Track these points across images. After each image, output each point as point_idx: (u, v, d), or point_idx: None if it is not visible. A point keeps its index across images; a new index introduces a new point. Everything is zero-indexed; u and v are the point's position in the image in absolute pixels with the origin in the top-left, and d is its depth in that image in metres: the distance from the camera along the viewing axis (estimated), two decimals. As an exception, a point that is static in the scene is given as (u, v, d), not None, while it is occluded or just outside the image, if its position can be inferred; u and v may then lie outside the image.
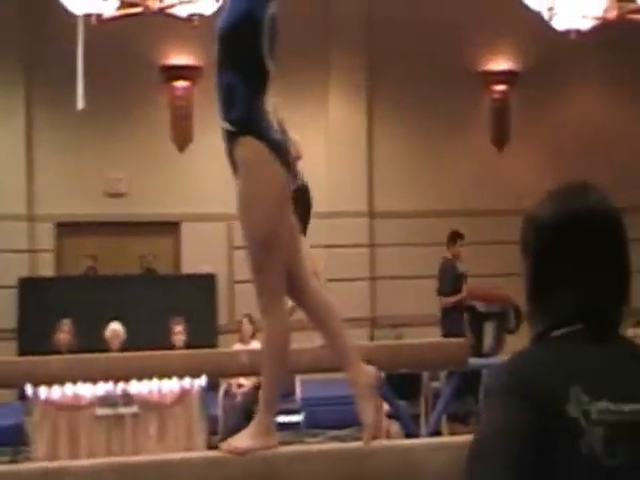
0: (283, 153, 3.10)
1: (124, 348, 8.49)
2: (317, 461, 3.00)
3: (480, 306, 9.64)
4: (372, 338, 11.12)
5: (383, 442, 3.28)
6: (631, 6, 8.23)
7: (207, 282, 11.98)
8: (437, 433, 6.36)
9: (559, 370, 1.68)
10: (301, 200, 6.65)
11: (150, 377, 6.70)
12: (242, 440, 2.93)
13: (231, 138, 3.16)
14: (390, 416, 8.38)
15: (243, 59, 3.04)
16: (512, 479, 1.61)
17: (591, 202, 1.78)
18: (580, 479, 1.65)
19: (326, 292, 3.52)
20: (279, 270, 3.09)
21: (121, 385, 7.10)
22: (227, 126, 3.15)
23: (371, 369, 3.26)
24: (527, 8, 8.27)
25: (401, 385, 8.78)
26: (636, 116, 13.38)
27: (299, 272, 3.23)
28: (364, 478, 2.98)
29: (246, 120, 3.08)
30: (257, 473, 2.88)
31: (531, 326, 1.80)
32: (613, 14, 8.05)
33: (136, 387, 7.20)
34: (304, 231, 6.61)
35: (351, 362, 3.26)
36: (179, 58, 12.39)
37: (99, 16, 7.67)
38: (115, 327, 8.84)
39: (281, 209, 3.11)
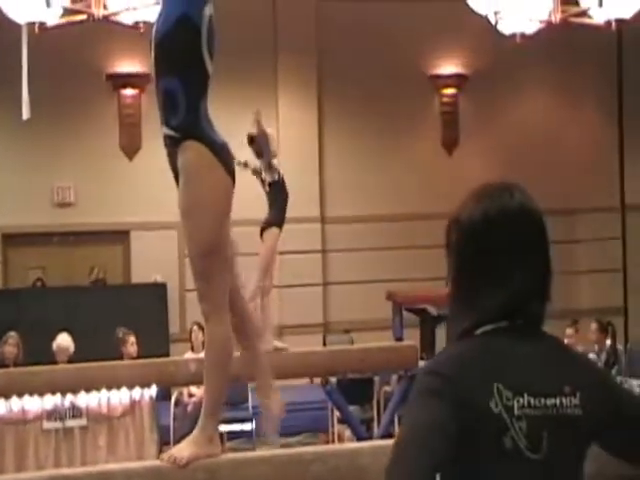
0: (226, 156, 3.08)
1: (73, 360, 8.39)
2: (262, 467, 2.98)
3: (432, 309, 9.70)
4: (325, 343, 11.11)
5: (329, 446, 3.29)
6: (574, 9, 8.33)
7: (158, 291, 11.91)
8: (389, 436, 6.38)
9: (481, 367, 1.71)
10: (281, 192, 6.70)
11: (98, 388, 6.65)
12: (184, 449, 2.91)
13: (173, 143, 3.12)
14: (342, 422, 8.41)
15: (182, 63, 3.00)
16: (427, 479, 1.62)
17: (517, 201, 1.80)
18: (504, 474, 1.67)
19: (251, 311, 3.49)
20: (223, 277, 3.07)
21: (69, 397, 7.02)
22: (169, 132, 3.11)
23: (279, 401, 3.27)
24: (474, 12, 8.34)
25: (353, 390, 8.82)
26: (582, 117, 13.57)
27: (234, 283, 3.22)
28: (310, 481, 2.97)
29: (188, 124, 3.05)
30: (198, 481, 2.86)
31: (453, 325, 1.81)
32: (557, 17, 8.14)
33: (84, 399, 7.12)
34: (282, 225, 6.64)
35: (266, 387, 3.25)
36: (126, 66, 12.32)
37: (42, 24, 7.58)
38: (63, 339, 8.74)
39: (226, 214, 3.09)
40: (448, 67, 13.32)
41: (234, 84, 12.02)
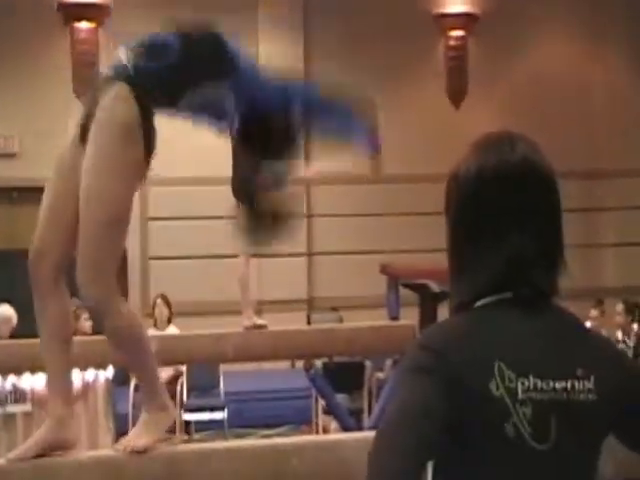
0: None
1: (15, 336, 8.39)
2: (231, 461, 2.98)
3: (434, 285, 9.71)
4: (309, 322, 11.15)
5: (310, 437, 3.30)
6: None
7: (116, 258, 11.90)
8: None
9: (480, 343, 1.70)
10: None
11: (45, 369, 6.64)
12: (141, 435, 2.92)
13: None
14: (327, 412, 8.45)
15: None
16: (411, 466, 1.62)
17: (519, 154, 1.78)
18: (507, 466, 1.67)
19: None
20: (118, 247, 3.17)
21: (10, 379, 7.02)
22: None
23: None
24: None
25: (341, 376, 8.86)
26: (610, 65, 13.55)
27: None
28: (287, 477, 2.98)
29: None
30: (158, 475, 2.86)
31: (451, 298, 1.81)
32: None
33: (28, 381, 7.12)
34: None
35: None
36: (80, -6, 12.24)
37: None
38: (4, 311, 8.73)
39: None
40: (455, 5, 13.29)
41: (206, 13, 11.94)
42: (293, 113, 3.27)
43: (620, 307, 9.69)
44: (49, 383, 3.19)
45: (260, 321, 6.49)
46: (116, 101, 3.07)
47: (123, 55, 3.14)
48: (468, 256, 1.79)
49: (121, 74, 3.08)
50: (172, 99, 3.10)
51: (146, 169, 3.26)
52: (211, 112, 3.26)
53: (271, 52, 12.45)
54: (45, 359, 3.19)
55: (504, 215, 1.76)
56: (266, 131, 3.27)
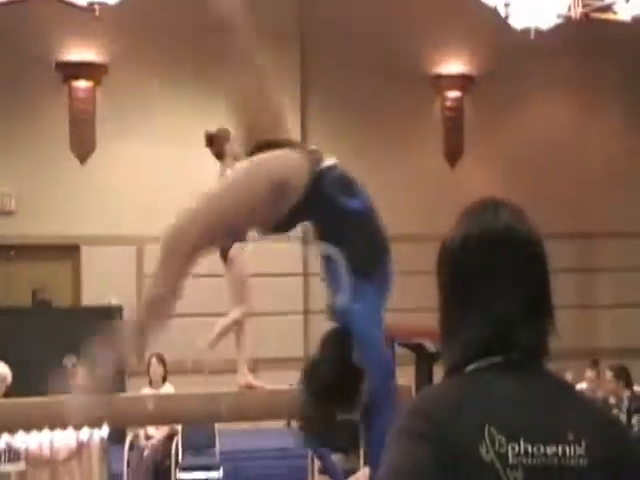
0: None
1: (10, 395, 8.37)
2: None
3: (430, 345, 9.71)
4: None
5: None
6: (597, 3, 8.42)
7: (112, 316, 11.86)
8: (376, 491, 6.36)
9: (471, 408, 1.70)
10: None
11: (40, 428, 6.63)
12: None
13: None
14: (323, 472, 8.40)
15: None
16: None
17: (501, 221, 1.82)
18: None
19: None
20: None
21: (4, 438, 6.99)
22: None
23: None
24: (481, 3, 8.43)
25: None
26: (602, 126, 13.68)
27: None
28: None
29: None
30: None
31: (444, 361, 1.83)
32: (578, 12, 8.24)
33: (23, 440, 7.10)
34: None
35: None
36: (79, 53, 12.35)
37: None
38: (-1, 369, 8.71)
39: None
40: (452, 66, 13.42)
41: (205, 83, 12.07)
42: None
43: (609, 374, 9.64)
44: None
45: (255, 382, 6.49)
46: None
47: None
48: (456, 321, 1.82)
49: None
50: None
51: None
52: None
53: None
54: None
55: (488, 281, 1.79)
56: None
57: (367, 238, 3.76)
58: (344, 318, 3.72)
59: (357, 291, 3.64)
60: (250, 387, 6.38)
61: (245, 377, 6.35)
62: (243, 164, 3.69)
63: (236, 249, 6.59)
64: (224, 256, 6.65)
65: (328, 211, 3.68)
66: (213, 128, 6.95)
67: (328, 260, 3.77)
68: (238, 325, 6.74)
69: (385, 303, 3.74)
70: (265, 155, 3.61)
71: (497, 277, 1.79)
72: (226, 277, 6.71)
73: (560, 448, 1.70)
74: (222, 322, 6.68)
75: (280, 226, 3.76)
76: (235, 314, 6.57)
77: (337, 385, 3.65)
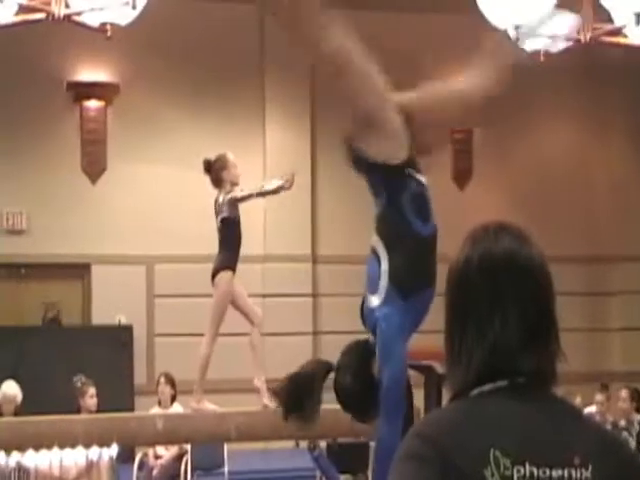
0: None
1: (20, 413, 8.40)
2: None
3: (439, 367, 9.70)
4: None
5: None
6: (608, 27, 8.43)
7: (122, 335, 11.92)
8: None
9: (476, 431, 1.72)
10: (233, 231, 6.73)
11: (50, 447, 6.64)
12: None
13: None
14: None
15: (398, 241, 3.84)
16: None
17: (502, 245, 1.84)
18: None
19: None
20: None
21: (14, 456, 7.00)
22: None
23: None
24: (490, 26, 8.45)
25: (345, 456, 8.83)
26: (613, 152, 13.69)
27: None
28: None
29: None
30: None
31: (450, 386, 1.84)
32: (587, 36, 8.25)
33: (32, 459, 7.10)
34: (234, 267, 6.71)
35: None
36: (90, 74, 12.42)
37: (-8, 22, 7.61)
38: (9, 388, 8.73)
39: None
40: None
41: (216, 104, 12.18)
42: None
43: (624, 393, 9.61)
44: None
45: (210, 405, 6.62)
46: None
47: None
48: (458, 344, 1.83)
49: None
50: None
51: None
52: None
53: (278, 142, 12.65)
54: None
55: (488, 304, 1.80)
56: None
57: (419, 265, 3.85)
58: (373, 321, 3.76)
59: (390, 302, 3.65)
60: (203, 411, 6.49)
61: (198, 400, 6.48)
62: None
63: (222, 277, 6.65)
64: (213, 280, 6.74)
65: (397, 217, 3.83)
66: (224, 150, 7.00)
67: (374, 256, 3.86)
68: (253, 346, 6.85)
69: (412, 330, 3.79)
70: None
71: (497, 302, 1.80)
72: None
73: (566, 472, 1.71)
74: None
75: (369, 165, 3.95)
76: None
77: (355, 394, 3.71)
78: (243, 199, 6.69)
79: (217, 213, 6.72)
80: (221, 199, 6.68)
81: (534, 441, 1.73)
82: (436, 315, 9.16)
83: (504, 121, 13.27)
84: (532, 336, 1.80)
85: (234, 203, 6.66)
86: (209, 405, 6.64)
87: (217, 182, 6.74)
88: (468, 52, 12.77)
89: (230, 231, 6.66)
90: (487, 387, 1.78)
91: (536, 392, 1.80)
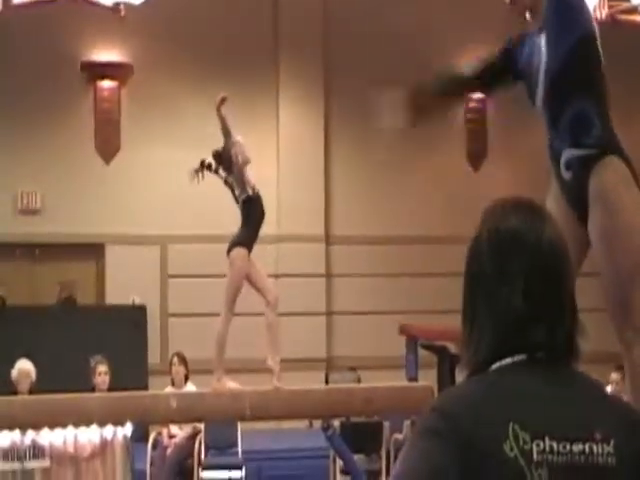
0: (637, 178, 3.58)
1: (35, 392, 8.43)
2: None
3: (452, 347, 9.71)
4: (327, 382, 11.14)
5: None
6: (624, 5, 8.39)
7: (136, 315, 11.95)
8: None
9: (494, 406, 1.71)
10: (255, 210, 6.81)
11: (64, 425, 6.68)
12: None
13: (583, 164, 3.61)
14: (345, 472, 8.43)
15: (591, 81, 3.73)
16: None
17: (523, 219, 1.84)
18: None
19: None
20: None
21: (30, 434, 7.04)
22: (581, 152, 3.62)
23: None
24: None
25: (359, 437, 8.84)
26: (633, 133, 13.60)
27: None
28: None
29: (607, 139, 3.61)
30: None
31: (465, 362, 1.83)
32: (603, 13, 8.22)
33: (47, 437, 7.14)
34: (251, 245, 6.77)
35: None
36: (104, 54, 12.42)
37: (6, 2, 7.62)
38: (24, 366, 8.76)
39: None
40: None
41: (230, 84, 12.14)
42: None
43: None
44: None
45: (231, 383, 6.65)
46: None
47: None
48: (472, 320, 1.83)
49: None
50: None
51: None
52: None
53: (292, 122, 12.62)
54: None
55: (496, 279, 1.81)
56: None
57: None
58: None
59: None
60: (224, 389, 6.53)
61: (219, 378, 6.52)
62: None
63: (237, 252, 6.70)
64: (228, 256, 6.79)
65: None
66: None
67: None
68: (268, 326, 6.89)
69: None
70: None
71: (503, 277, 1.80)
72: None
73: (587, 446, 1.70)
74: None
75: None
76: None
77: None
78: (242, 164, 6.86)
79: (235, 196, 6.85)
80: (235, 181, 6.81)
81: (554, 415, 1.72)
82: (447, 296, 9.16)
83: (518, 99, 13.18)
84: (542, 310, 1.79)
85: (246, 181, 6.79)
86: (230, 383, 6.66)
87: (228, 169, 6.90)
88: (476, 28, 12.60)
89: (254, 209, 6.81)
90: (505, 361, 1.78)
91: (556, 366, 1.79)
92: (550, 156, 3.79)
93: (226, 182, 6.95)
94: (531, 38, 3.76)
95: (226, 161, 6.86)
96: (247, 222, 6.83)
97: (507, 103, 13.28)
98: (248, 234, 6.79)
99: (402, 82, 13.73)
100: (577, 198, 3.59)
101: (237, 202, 6.89)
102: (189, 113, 12.43)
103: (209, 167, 6.89)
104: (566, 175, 3.68)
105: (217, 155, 6.95)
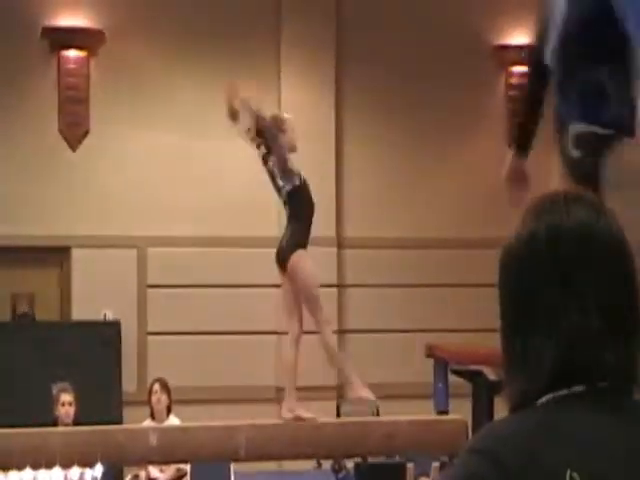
0: None
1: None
2: None
3: (490, 372, 9.70)
4: (339, 414, 11.13)
5: None
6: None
7: (108, 333, 11.96)
8: None
9: (547, 448, 1.69)
10: (305, 201, 6.80)
11: (21, 467, 6.68)
12: None
13: (599, 142, 3.73)
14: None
15: (609, 49, 3.69)
16: None
17: (575, 218, 1.82)
18: None
19: None
20: None
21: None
22: (595, 129, 3.73)
23: None
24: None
25: (377, 479, 8.84)
26: None
27: None
28: None
29: (624, 117, 3.62)
30: None
31: (509, 393, 1.82)
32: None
33: (1, 480, 7.15)
34: (306, 245, 6.75)
35: None
36: (70, 18, 12.43)
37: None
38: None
39: None
40: (519, 35, 13.40)
41: (220, 54, 12.18)
42: None
43: None
44: None
45: (306, 414, 6.58)
46: None
47: None
48: (521, 340, 1.80)
49: None
50: None
51: None
52: None
53: (296, 101, 12.59)
54: None
55: (560, 290, 1.78)
56: None
57: None
58: None
59: None
60: (299, 419, 6.48)
61: (293, 411, 6.46)
62: None
63: (298, 255, 6.65)
64: (282, 264, 6.72)
65: None
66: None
67: None
68: (289, 349, 6.89)
69: None
70: None
71: (570, 285, 1.77)
72: (284, 289, 6.81)
73: None
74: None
75: None
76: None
77: None
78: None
79: (278, 187, 6.79)
80: (276, 167, 6.77)
81: (619, 462, 1.71)
82: (483, 311, 9.15)
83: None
84: (616, 326, 1.77)
85: (289, 169, 6.76)
86: (307, 414, 6.62)
87: (267, 148, 6.83)
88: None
89: (298, 203, 6.76)
90: (560, 393, 1.76)
91: (619, 399, 1.78)
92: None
93: (265, 162, 6.86)
94: None
95: (266, 137, 6.81)
96: (298, 217, 6.76)
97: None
98: (302, 232, 6.75)
99: (436, 45, 13.78)
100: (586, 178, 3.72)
101: (279, 194, 6.83)
102: (173, 89, 12.44)
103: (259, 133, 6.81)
104: (574, 153, 3.85)
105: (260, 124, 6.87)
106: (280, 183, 6.76)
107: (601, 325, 1.76)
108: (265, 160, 6.82)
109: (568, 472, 1.66)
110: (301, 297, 6.75)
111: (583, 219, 1.81)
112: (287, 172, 6.74)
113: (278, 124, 6.83)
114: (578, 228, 1.80)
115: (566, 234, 1.80)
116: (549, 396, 1.76)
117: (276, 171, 6.76)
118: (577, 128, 3.79)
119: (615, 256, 1.81)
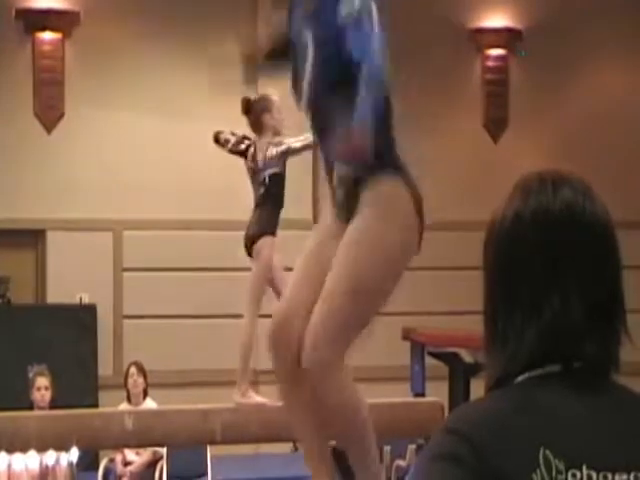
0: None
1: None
2: None
3: (467, 355, 9.72)
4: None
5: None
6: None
7: (84, 317, 11.93)
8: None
9: (521, 427, 1.69)
10: (281, 188, 6.79)
11: (-4, 450, 6.65)
12: None
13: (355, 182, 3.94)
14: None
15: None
16: None
17: (562, 198, 1.80)
18: None
19: None
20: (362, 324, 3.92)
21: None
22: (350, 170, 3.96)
23: None
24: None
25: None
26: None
27: None
28: None
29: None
30: None
31: (486, 372, 1.81)
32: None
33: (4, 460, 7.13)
34: (275, 231, 6.75)
35: None
36: (45, 0, 12.38)
37: None
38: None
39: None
40: (495, 19, 13.40)
41: (202, 41, 12.14)
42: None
43: None
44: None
45: (258, 398, 6.54)
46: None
47: None
48: (502, 321, 1.79)
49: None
50: None
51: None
52: None
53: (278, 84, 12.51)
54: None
55: (543, 272, 1.77)
56: None
57: None
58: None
59: None
60: (250, 405, 6.44)
61: (245, 395, 6.41)
62: None
63: (264, 242, 6.65)
64: (249, 249, 6.73)
65: None
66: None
67: None
68: (247, 331, 6.86)
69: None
70: None
71: (554, 267, 1.76)
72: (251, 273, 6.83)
73: (632, 476, 1.68)
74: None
75: None
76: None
77: None
78: (302, 150, 6.79)
79: (260, 168, 6.75)
80: (273, 151, 6.72)
81: (593, 439, 1.70)
82: (460, 293, 9.24)
83: (549, 53, 13.19)
84: (598, 312, 1.77)
85: (286, 156, 6.73)
86: (258, 398, 6.61)
87: (257, 127, 6.81)
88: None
89: (277, 189, 6.73)
90: (535, 372, 1.75)
91: (595, 380, 1.77)
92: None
93: (246, 149, 6.85)
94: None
95: (255, 117, 6.81)
96: (272, 203, 6.75)
97: (534, 60, 13.34)
98: (274, 218, 6.74)
99: (412, 25, 13.68)
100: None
101: (254, 177, 6.79)
102: (150, 71, 12.39)
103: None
104: (339, 193, 3.94)
105: (247, 104, 6.87)
106: (259, 165, 6.73)
107: (583, 308, 1.76)
108: (254, 151, 6.80)
109: (542, 450, 1.66)
110: (251, 279, 6.80)
111: (570, 202, 1.79)
112: (282, 157, 6.74)
113: (266, 104, 6.82)
114: (564, 210, 1.79)
115: (552, 216, 1.78)
116: (525, 375, 1.75)
117: (274, 154, 6.73)
118: (338, 170, 3.89)
119: (599, 239, 1.80)
